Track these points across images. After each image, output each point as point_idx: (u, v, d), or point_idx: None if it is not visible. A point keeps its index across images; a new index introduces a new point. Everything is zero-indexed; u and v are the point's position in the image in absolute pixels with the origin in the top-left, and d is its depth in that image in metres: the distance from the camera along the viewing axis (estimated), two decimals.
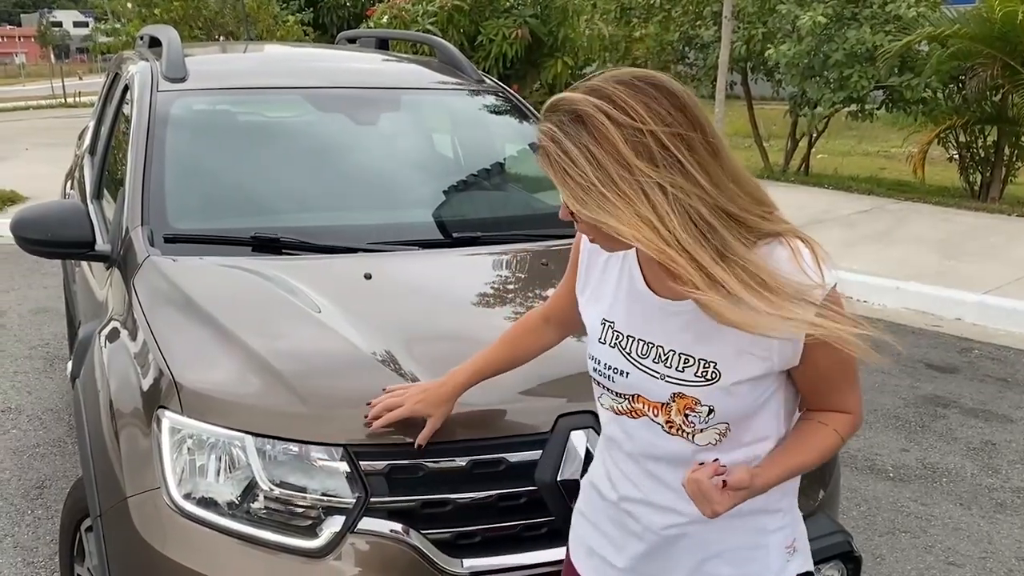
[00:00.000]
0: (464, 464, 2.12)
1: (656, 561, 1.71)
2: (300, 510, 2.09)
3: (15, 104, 26.22)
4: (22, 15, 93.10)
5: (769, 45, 10.55)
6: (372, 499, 2.07)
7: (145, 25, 14.02)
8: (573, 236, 3.01)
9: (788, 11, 10.43)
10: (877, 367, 5.75)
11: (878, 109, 11.26)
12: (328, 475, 2.09)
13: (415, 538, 2.07)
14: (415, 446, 2.07)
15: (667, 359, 1.56)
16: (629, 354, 1.61)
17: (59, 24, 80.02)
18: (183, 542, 2.10)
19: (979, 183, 11.21)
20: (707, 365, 1.53)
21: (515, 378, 2.12)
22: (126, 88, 3.82)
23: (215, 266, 2.76)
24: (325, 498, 2.08)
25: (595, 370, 1.68)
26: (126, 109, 3.77)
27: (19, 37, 78.69)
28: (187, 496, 2.13)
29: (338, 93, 3.57)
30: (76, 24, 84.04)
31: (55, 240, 2.96)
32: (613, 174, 1.39)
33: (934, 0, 10.69)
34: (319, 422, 2.13)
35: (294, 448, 2.11)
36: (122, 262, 2.92)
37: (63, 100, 27.26)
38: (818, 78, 10.67)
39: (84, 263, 3.64)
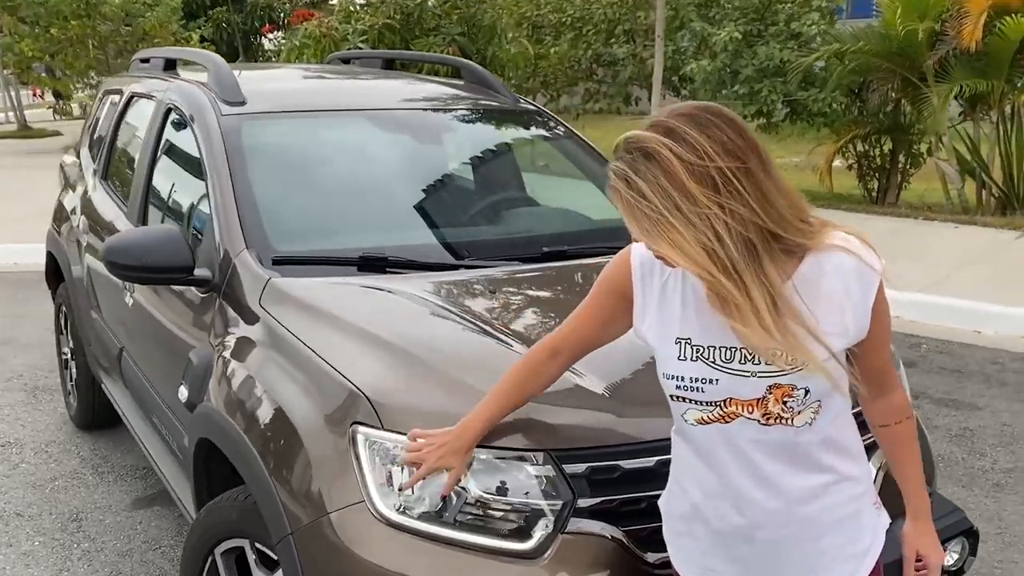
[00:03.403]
0: (653, 464, 2.25)
1: (771, 556, 1.86)
2: (507, 514, 2.19)
3: None
4: None
5: (691, 60, 10.99)
6: (578, 500, 2.18)
7: (38, 45, 13.56)
8: None
9: (701, 28, 10.89)
10: None
11: (782, 121, 11.85)
12: (534, 479, 2.19)
13: (619, 535, 2.20)
14: (439, 498, 2.16)
15: (754, 357, 1.71)
16: (713, 363, 1.75)
17: None
18: (397, 552, 2.17)
19: (876, 189, 11.92)
20: None
21: None
22: (168, 111, 3.79)
23: (346, 285, 2.82)
24: (532, 501, 2.18)
25: (679, 387, 1.79)
26: (174, 133, 3.75)
27: None
28: (393, 507, 2.19)
29: (401, 115, 3.65)
30: None
31: (152, 266, 2.95)
32: (679, 203, 1.56)
33: (831, 18, 11.34)
34: (520, 428, 2.23)
35: (498, 455, 2.20)
36: (228, 286, 2.94)
37: None
38: (727, 91, 11.16)
39: (137, 290, 3.60)
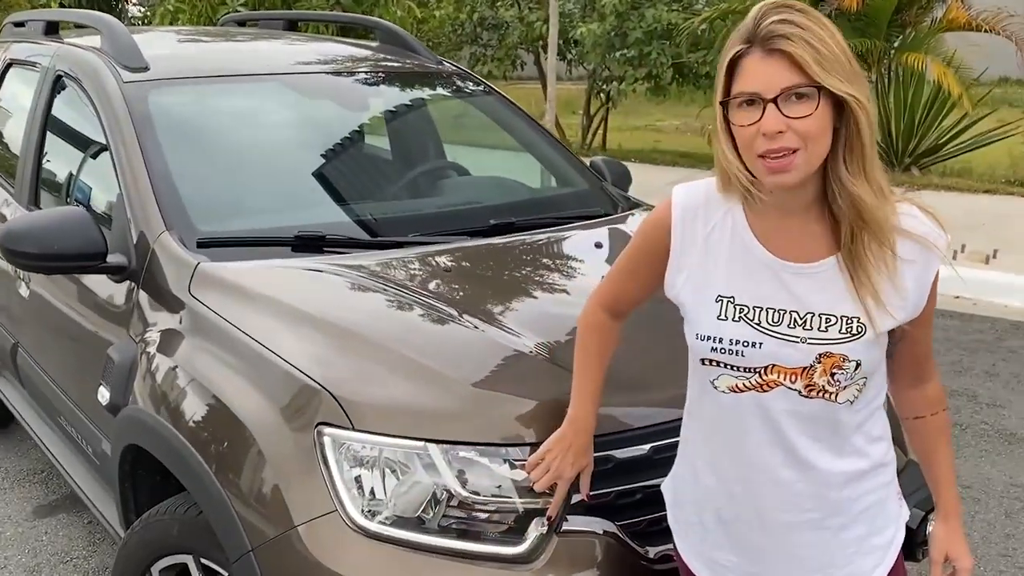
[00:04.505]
0: (647, 452, 2.09)
1: (790, 545, 1.73)
2: (497, 516, 2.00)
3: None
4: None
5: (579, 23, 10.88)
6: (572, 496, 2.01)
7: None
8: (598, 217, 3.08)
9: None
10: None
11: (669, 84, 11.86)
12: (523, 476, 2.00)
13: (616, 529, 2.04)
14: (583, 498, 1.99)
15: (805, 322, 1.59)
16: (759, 324, 1.61)
17: None
18: (377, 565, 1.97)
19: None
20: (850, 321, 1.59)
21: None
22: (57, 80, 3.41)
23: (287, 268, 2.56)
24: (523, 500, 2.00)
25: (716, 349, 1.64)
26: (66, 104, 3.39)
27: None
28: (369, 515, 1.98)
29: (323, 79, 3.36)
30: None
31: (60, 253, 2.62)
32: (847, 59, 1.51)
33: None
34: (502, 422, 2.05)
35: (483, 451, 2.01)
36: (147, 273, 2.64)
37: None
38: (616, 54, 11.08)
39: (34, 279, 3.25)
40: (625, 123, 18.12)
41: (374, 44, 3.97)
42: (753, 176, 1.57)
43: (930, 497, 2.48)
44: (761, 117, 1.51)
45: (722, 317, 1.64)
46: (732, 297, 1.64)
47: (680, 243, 1.71)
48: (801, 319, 1.60)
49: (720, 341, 1.63)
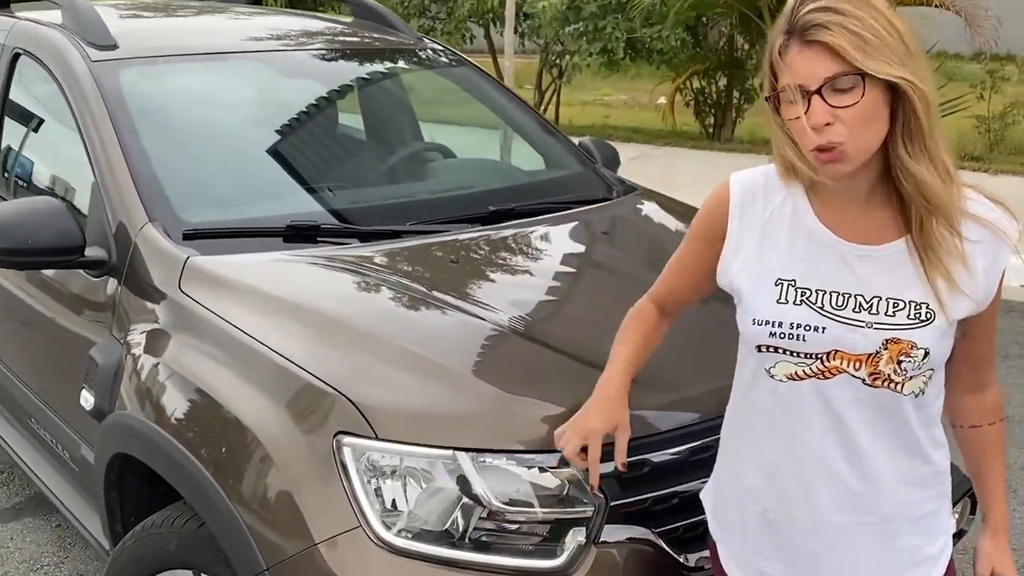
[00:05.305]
0: (684, 454, 2.00)
1: (840, 552, 1.66)
2: (529, 527, 1.89)
3: None
4: None
5: None
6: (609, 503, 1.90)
7: None
8: (599, 201, 2.97)
9: None
10: None
11: (622, 59, 11.75)
12: (557, 483, 1.89)
13: (654, 536, 1.94)
14: (618, 468, 1.83)
15: (871, 306, 1.54)
16: (822, 308, 1.55)
17: None
18: None
19: (712, 125, 12.05)
20: (919, 307, 1.53)
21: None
22: (15, 59, 3.19)
23: (284, 262, 2.40)
24: (558, 509, 1.89)
25: (775, 334, 1.56)
26: (26, 85, 3.17)
27: None
28: (395, 529, 1.86)
29: (303, 58, 3.18)
30: None
31: (33, 248, 2.43)
32: (898, 40, 1.44)
33: None
34: (531, 426, 1.94)
35: (516, 459, 1.89)
36: (130, 268, 2.46)
37: None
38: (572, 28, 10.94)
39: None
40: (573, 97, 17.96)
41: (348, 20, 3.78)
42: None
43: (959, 485, 2.45)
44: (807, 110, 1.45)
45: (782, 300, 1.57)
46: (793, 280, 1.57)
47: (738, 226, 1.65)
48: (867, 303, 1.54)
49: (780, 325, 1.56)
